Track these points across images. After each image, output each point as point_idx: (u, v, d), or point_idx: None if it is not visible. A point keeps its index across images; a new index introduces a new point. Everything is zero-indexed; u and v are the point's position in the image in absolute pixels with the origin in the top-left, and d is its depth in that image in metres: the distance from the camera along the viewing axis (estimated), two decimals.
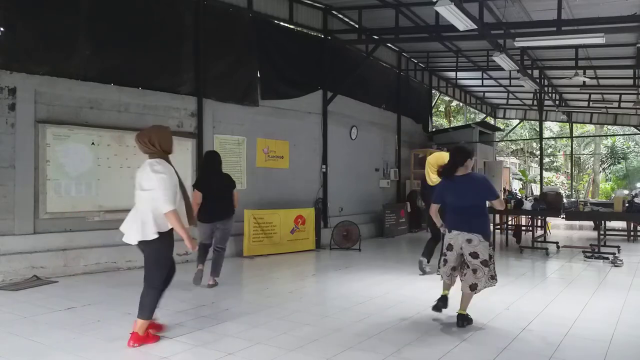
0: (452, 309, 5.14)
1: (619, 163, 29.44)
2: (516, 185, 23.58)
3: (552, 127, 30.28)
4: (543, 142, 19.30)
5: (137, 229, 3.87)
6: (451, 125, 24.01)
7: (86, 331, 4.32)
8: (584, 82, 13.79)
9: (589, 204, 10.55)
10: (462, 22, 7.67)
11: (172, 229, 3.97)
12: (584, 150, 30.54)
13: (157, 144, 3.98)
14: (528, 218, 11.49)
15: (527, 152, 32.03)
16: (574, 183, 26.89)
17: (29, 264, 6.44)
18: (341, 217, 10.89)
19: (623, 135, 26.13)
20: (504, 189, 16.05)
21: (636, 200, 9.47)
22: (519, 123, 25.36)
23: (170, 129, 4.29)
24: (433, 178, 6.30)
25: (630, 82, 14.66)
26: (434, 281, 6.66)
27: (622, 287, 6.30)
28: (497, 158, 19.40)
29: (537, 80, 14.11)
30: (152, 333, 4.06)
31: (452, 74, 16.77)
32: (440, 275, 4.91)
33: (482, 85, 18.00)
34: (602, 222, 10.06)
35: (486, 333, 4.39)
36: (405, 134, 14.53)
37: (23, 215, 6.52)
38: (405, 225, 12.88)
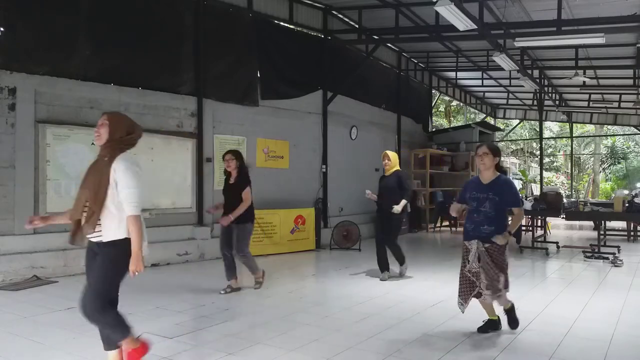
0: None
1: (619, 163, 29.46)
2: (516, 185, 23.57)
3: (552, 127, 30.28)
4: (543, 142, 19.30)
5: None
6: (451, 125, 24.01)
7: (86, 331, 4.30)
8: (584, 82, 13.78)
9: (589, 204, 10.55)
10: (462, 22, 7.67)
11: None
12: (584, 150, 30.54)
13: None
14: (528, 218, 11.49)
15: (527, 152, 32.02)
16: (574, 183, 26.87)
17: (29, 264, 6.45)
18: (341, 217, 10.89)
19: (623, 135, 26.13)
20: None
21: (636, 200, 9.47)
22: (519, 123, 25.35)
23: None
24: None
25: (630, 82, 14.66)
26: (434, 281, 6.68)
27: (622, 287, 6.30)
28: None
29: (537, 80, 14.10)
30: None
31: (452, 74, 16.76)
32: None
33: (482, 85, 17.99)
34: (602, 222, 10.06)
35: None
36: (405, 134, 14.52)
37: (23, 215, 6.49)
38: (405, 225, 12.87)
